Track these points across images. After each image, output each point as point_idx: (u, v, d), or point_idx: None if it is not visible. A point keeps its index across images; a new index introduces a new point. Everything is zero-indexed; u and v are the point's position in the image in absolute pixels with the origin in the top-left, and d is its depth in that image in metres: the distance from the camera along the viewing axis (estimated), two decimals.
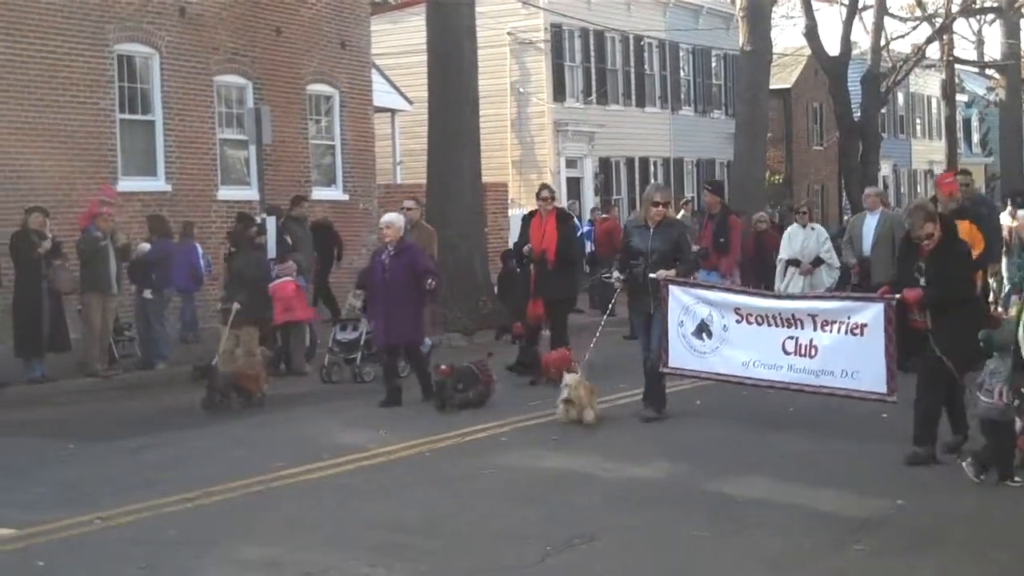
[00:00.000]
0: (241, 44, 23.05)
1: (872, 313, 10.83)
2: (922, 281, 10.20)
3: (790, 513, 8.89)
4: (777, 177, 45.74)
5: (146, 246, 17.81)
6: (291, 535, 8.51)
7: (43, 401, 15.13)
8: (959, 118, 53.68)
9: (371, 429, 12.40)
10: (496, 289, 24.04)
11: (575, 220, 17.32)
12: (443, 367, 13.68)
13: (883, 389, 10.83)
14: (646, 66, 40.36)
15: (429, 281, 13.98)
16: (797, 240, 18.77)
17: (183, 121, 21.86)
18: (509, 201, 31.85)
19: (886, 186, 51.03)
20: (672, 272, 12.38)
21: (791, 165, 48.44)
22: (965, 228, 12.66)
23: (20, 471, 10.96)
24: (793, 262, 18.60)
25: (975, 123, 64.38)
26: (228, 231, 18.59)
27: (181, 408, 14.26)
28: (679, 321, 12.28)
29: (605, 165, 38.13)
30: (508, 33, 35.63)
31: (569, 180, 36.82)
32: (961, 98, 55.31)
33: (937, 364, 10.02)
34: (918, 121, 60.36)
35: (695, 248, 15.50)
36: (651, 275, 12.41)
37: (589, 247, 25.87)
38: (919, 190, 58.93)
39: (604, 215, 26.94)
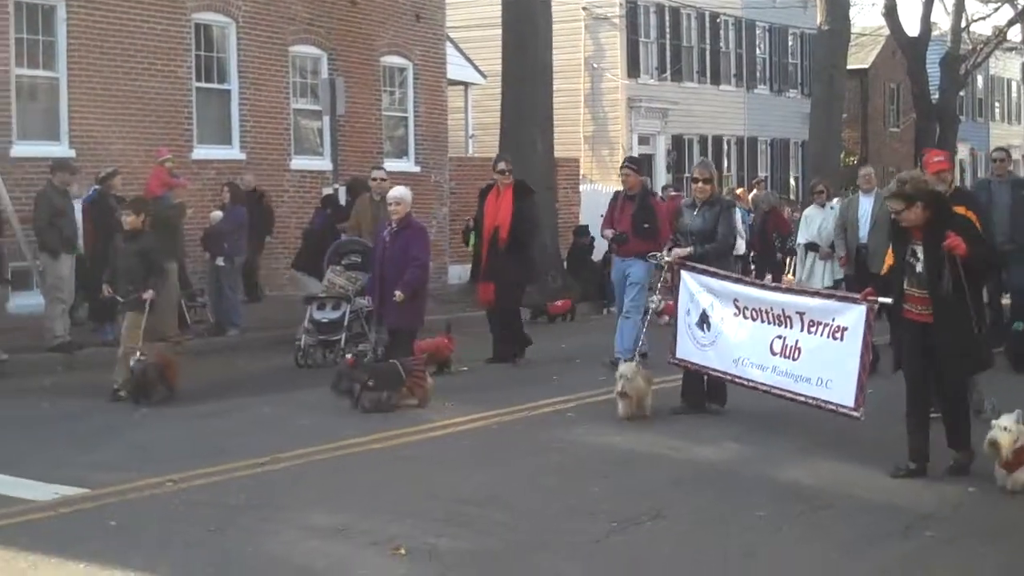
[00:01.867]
0: (317, 15, 23.15)
1: (854, 316, 9.98)
2: (918, 268, 9.26)
3: (859, 498, 8.82)
4: (852, 158, 45.28)
5: (218, 214, 17.95)
6: (358, 503, 8.58)
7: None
8: None
9: (437, 401, 12.43)
10: (566, 264, 24.09)
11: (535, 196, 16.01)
12: (349, 356, 13.07)
13: (851, 403, 9.92)
14: (721, 43, 40.08)
15: (414, 270, 13.23)
16: (815, 222, 17.26)
17: (258, 91, 22.02)
18: (581, 177, 31.78)
19: (963, 170, 50.40)
20: (685, 252, 11.88)
21: (866, 146, 47.94)
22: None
23: (93, 433, 11.12)
24: (812, 246, 17.10)
25: None
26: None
27: (251, 374, 14.39)
28: (687, 310, 11.73)
29: (678, 143, 37.95)
30: (583, 8, 35.54)
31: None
32: None
33: (927, 364, 9.35)
34: (997, 104, 59.50)
35: (609, 233, 14.67)
36: (656, 254, 12.38)
37: None
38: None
39: (674, 192, 26.82)
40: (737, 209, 15.64)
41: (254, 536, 7.72)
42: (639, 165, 15.30)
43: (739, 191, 28.54)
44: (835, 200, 18.18)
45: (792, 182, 40.62)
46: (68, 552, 7.28)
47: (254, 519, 8.10)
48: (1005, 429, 8.78)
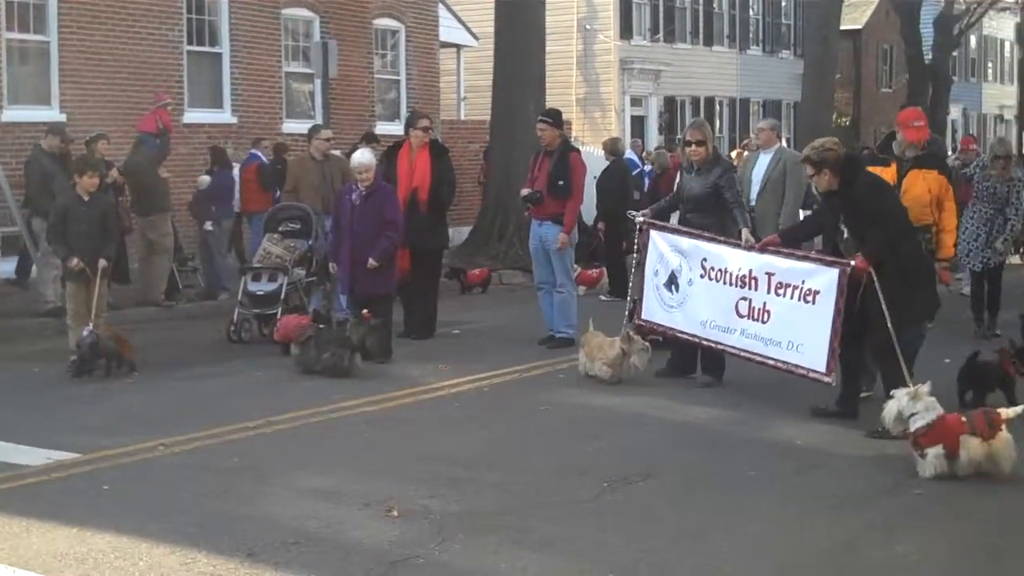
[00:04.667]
0: None
1: (826, 279, 9.77)
2: (846, 233, 9.54)
3: (848, 457, 8.88)
4: (844, 119, 45.25)
5: (206, 179, 17.86)
6: (351, 465, 8.62)
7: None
8: None
9: (431, 363, 12.46)
10: None
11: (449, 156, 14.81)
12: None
13: (822, 368, 9.78)
14: (714, 4, 39.97)
15: (389, 236, 12.66)
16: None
17: (250, 54, 21.98)
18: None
19: (955, 130, 50.39)
20: (649, 213, 11.68)
21: (859, 107, 47.90)
22: (933, 179, 10.72)
23: (85, 398, 11.12)
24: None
25: None
26: None
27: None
28: (654, 270, 11.43)
29: (670, 104, 37.88)
30: None
31: (633, 119, 36.65)
32: None
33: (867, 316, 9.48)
34: (990, 65, 59.40)
35: (524, 192, 13.54)
36: (631, 214, 11.93)
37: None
38: (988, 135, 58.12)
39: (669, 155, 26.73)
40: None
41: (247, 499, 7.75)
42: (555, 118, 13.64)
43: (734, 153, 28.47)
44: None
45: (784, 143, 40.57)
46: (61, 516, 7.30)
47: (247, 482, 8.13)
48: (891, 397, 8.65)
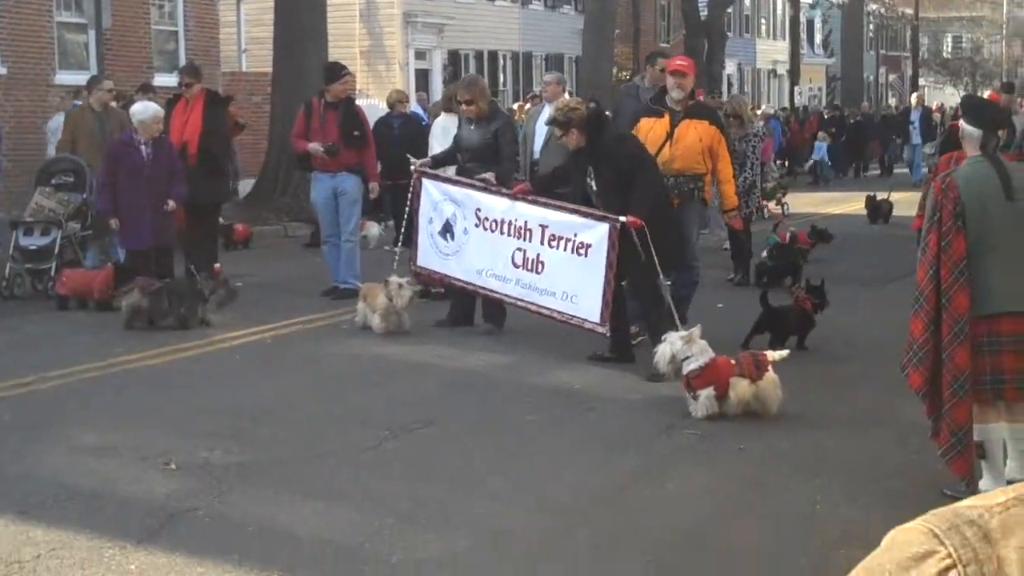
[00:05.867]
0: None
1: (597, 234, 10.01)
2: (594, 186, 10.10)
3: (624, 400, 9.13)
4: (624, 73, 45.93)
5: None
6: (129, 421, 8.47)
7: None
8: (803, 19, 54.50)
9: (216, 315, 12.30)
10: None
11: (227, 108, 14.80)
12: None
13: (596, 319, 10.05)
14: None
15: (179, 192, 12.78)
16: (449, 134, 13.73)
17: (18, 3, 21.18)
18: (357, 91, 31.52)
19: (730, 84, 51.71)
20: (426, 161, 11.88)
21: (638, 62, 48.59)
22: (704, 129, 10.98)
23: None
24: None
25: (818, 24, 65.36)
26: None
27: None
28: (428, 218, 11.55)
29: (454, 58, 37.93)
30: None
31: (418, 72, 36.58)
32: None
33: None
34: (763, 21, 61.11)
35: (318, 146, 13.17)
36: (412, 165, 11.95)
37: None
38: (763, 89, 59.83)
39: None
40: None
41: (19, 457, 7.56)
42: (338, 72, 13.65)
43: (515, 106, 28.70)
44: None
45: (567, 95, 41.09)
46: None
47: (19, 440, 7.93)
48: (665, 341, 8.87)
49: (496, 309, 11.48)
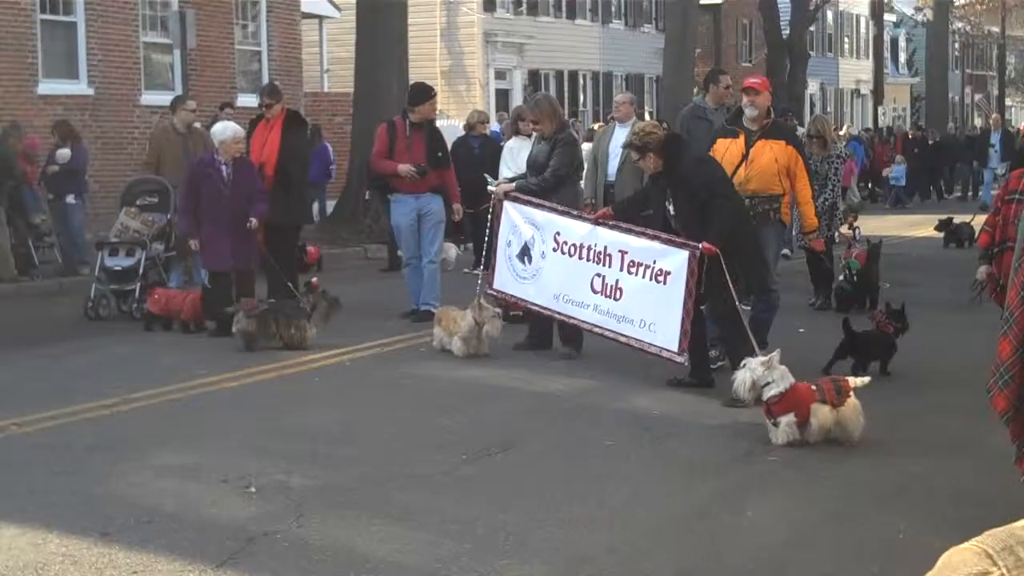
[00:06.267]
0: None
1: (677, 261, 9.96)
2: (672, 209, 10.05)
3: (704, 425, 9.05)
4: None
5: (66, 152, 17.51)
6: (210, 442, 8.55)
7: None
8: (887, 38, 54.14)
9: None
10: None
11: (309, 129, 14.54)
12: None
13: (675, 348, 9.96)
14: None
15: (260, 210, 12.65)
16: (519, 155, 14.30)
17: (106, 23, 21.53)
18: (438, 112, 31.65)
19: (813, 104, 51.34)
20: (511, 186, 11.80)
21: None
22: (780, 149, 10.86)
23: None
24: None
25: (902, 43, 64.81)
26: None
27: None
28: (507, 241, 11.52)
29: (534, 77, 38.02)
30: None
31: (498, 92, 36.73)
32: (889, 17, 55.74)
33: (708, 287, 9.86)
34: (846, 40, 60.64)
35: (411, 168, 13.12)
36: (489, 187, 12.01)
37: None
38: (846, 109, 59.34)
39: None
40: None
41: (102, 478, 7.65)
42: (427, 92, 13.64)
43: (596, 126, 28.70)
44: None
45: (647, 117, 40.99)
46: None
47: (103, 461, 8.02)
48: (745, 368, 8.74)
49: (574, 332, 11.42)
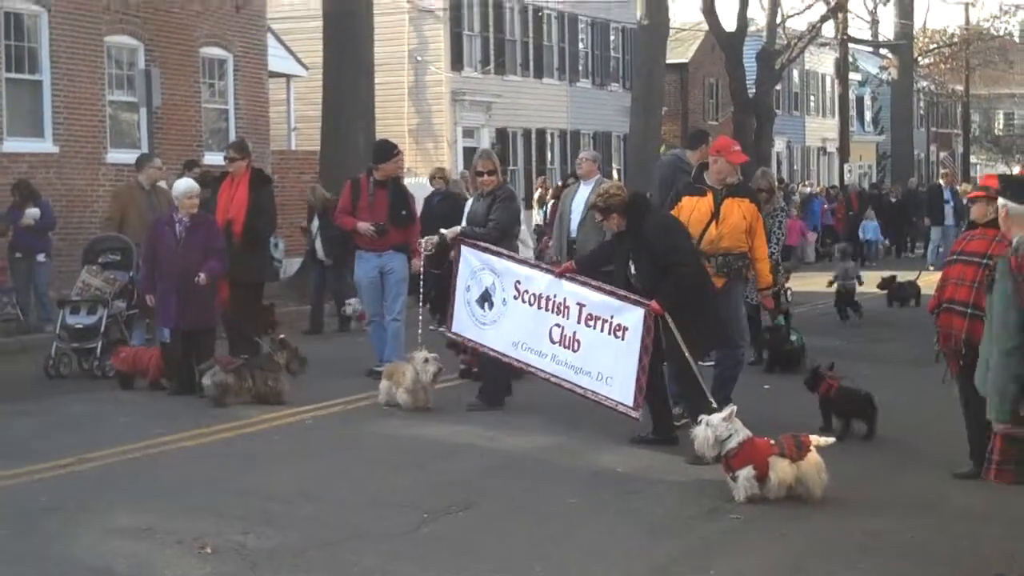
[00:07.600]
0: (132, 4, 22.62)
1: (634, 317, 9.96)
2: (634, 268, 10.12)
3: (667, 482, 8.99)
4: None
5: (36, 211, 17.39)
6: (165, 502, 8.42)
7: None
8: (852, 96, 54.53)
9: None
10: None
11: (272, 187, 14.50)
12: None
13: (630, 402, 9.96)
14: (544, 37, 40.33)
15: (219, 260, 12.52)
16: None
17: (72, 82, 21.43)
18: (406, 170, 31.69)
19: (780, 162, 51.66)
20: (454, 231, 11.88)
21: (686, 140, 48.77)
22: (747, 207, 10.97)
23: None
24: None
25: (867, 101, 65.33)
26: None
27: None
28: (466, 285, 11.54)
29: (502, 136, 38.10)
30: (407, 0, 35.41)
31: (466, 150, 36.72)
32: (854, 76, 56.13)
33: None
34: (812, 98, 61.10)
35: (368, 226, 13.08)
36: (442, 231, 12.09)
37: None
38: (812, 167, 59.72)
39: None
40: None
41: (54, 539, 7.52)
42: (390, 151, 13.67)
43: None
44: None
45: (615, 174, 41.20)
46: None
47: (55, 522, 7.89)
48: (704, 424, 8.66)
49: (499, 390, 11.60)
